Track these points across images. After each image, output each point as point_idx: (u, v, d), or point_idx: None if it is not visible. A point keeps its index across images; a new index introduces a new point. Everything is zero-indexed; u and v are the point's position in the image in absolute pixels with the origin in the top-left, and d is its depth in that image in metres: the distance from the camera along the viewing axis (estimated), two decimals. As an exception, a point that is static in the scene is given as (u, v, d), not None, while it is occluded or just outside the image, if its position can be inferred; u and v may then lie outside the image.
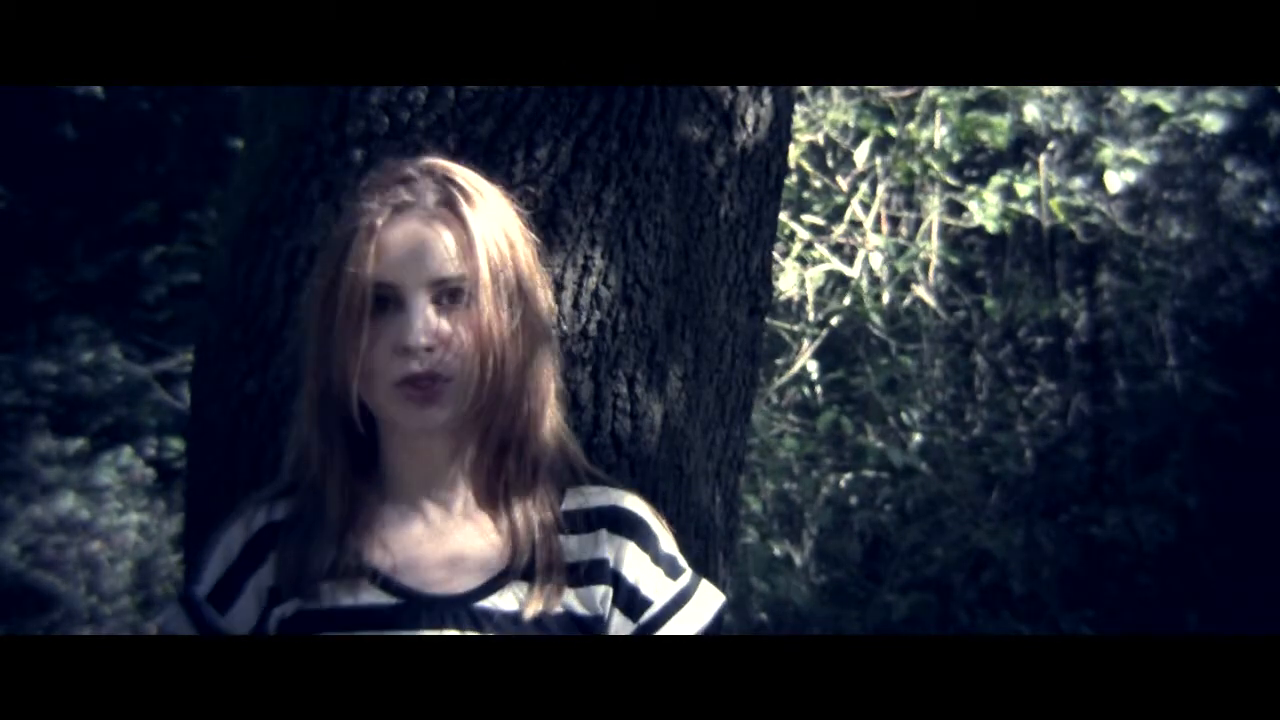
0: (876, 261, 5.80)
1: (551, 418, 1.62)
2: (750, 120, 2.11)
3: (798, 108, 4.98)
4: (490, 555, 1.57)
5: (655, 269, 1.91)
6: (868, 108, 5.70)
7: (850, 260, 5.87)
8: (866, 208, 5.85)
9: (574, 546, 1.59)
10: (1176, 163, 6.84)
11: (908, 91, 5.60)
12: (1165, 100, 5.79)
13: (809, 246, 5.75)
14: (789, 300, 5.81)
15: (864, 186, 5.87)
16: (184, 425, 3.41)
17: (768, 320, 2.70)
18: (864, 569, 6.13)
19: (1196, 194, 6.91)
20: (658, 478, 1.91)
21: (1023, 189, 5.74)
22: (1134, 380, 6.60)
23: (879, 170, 5.85)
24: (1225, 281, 7.00)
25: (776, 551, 5.94)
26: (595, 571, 1.58)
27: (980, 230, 6.03)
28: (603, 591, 1.58)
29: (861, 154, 5.71)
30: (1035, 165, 5.99)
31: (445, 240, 1.55)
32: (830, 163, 5.96)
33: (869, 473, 6.07)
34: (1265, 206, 6.96)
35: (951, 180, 5.89)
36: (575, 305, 1.84)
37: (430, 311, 1.53)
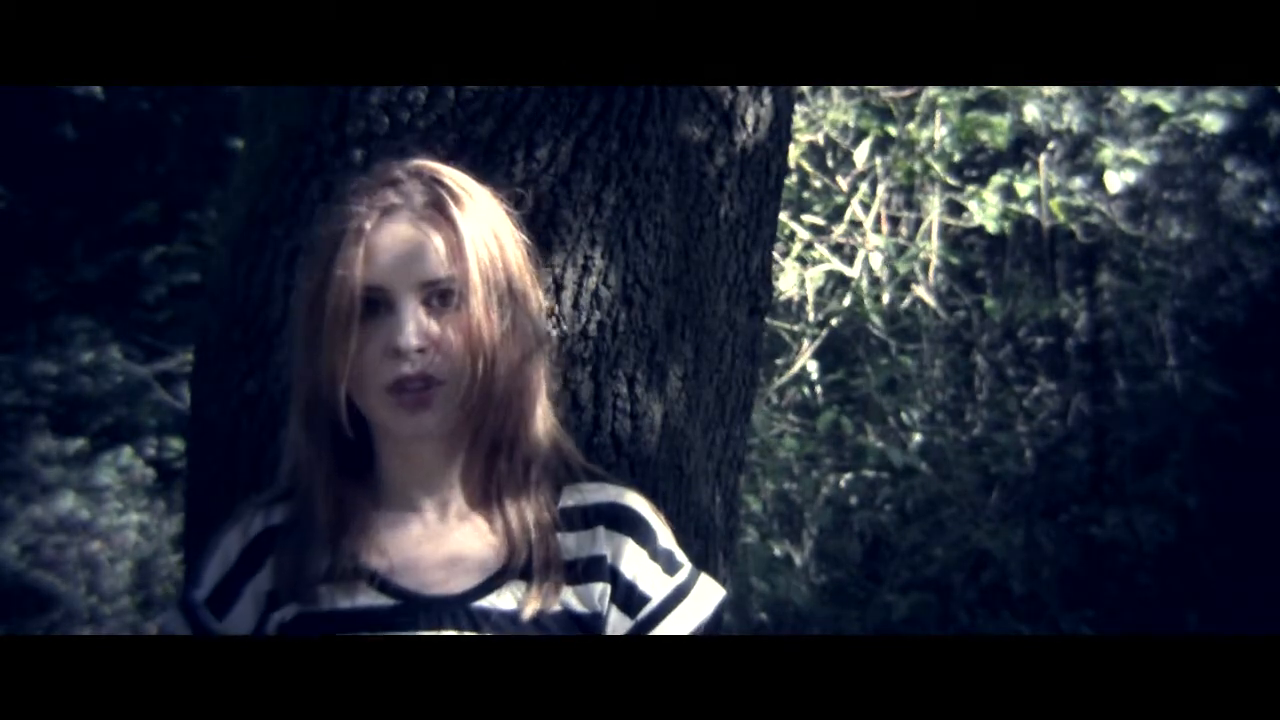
0: (876, 261, 5.80)
1: (544, 418, 1.61)
2: (750, 120, 2.11)
3: (798, 108, 4.98)
4: (487, 555, 1.57)
5: (655, 269, 1.91)
6: (868, 108, 5.69)
7: (850, 260, 5.87)
8: (866, 208, 5.84)
9: (572, 544, 1.59)
10: (1176, 163, 6.84)
11: (908, 91, 5.60)
12: (1165, 100, 5.79)
13: (809, 246, 5.75)
14: (789, 300, 5.80)
15: (864, 186, 5.87)
16: (184, 425, 3.41)
17: (768, 320, 2.70)
18: (864, 569, 6.12)
19: (1196, 194, 6.91)
20: (658, 478, 1.91)
21: (1023, 189, 5.74)
22: (1134, 380, 6.60)
23: (879, 170, 5.85)
24: (1225, 281, 7.00)
25: (776, 551, 5.94)
26: (593, 569, 1.58)
27: (980, 230, 6.03)
28: (600, 589, 1.57)
29: (861, 154, 5.70)
30: (1035, 165, 5.99)
31: (434, 242, 1.54)
32: (830, 163, 5.96)
33: (869, 473, 6.07)
34: (1265, 206, 6.96)
35: (951, 180, 5.88)
36: (575, 305, 1.84)
37: (421, 313, 1.53)
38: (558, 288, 1.82)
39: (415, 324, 1.52)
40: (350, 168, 1.79)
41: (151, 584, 6.46)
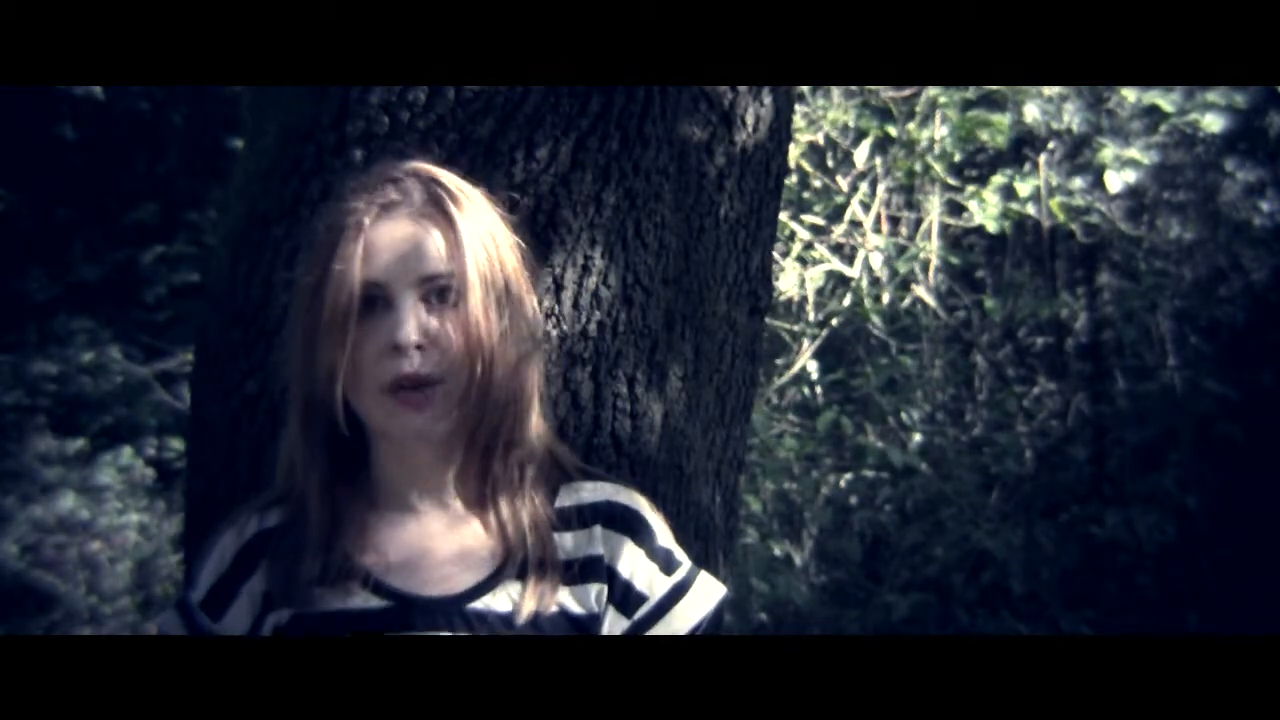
0: (876, 261, 5.80)
1: (537, 422, 1.61)
2: (750, 120, 2.11)
3: (798, 108, 4.98)
4: (483, 556, 1.57)
5: (655, 269, 1.91)
6: (868, 108, 5.69)
7: (850, 260, 5.87)
8: (866, 208, 5.84)
9: (569, 543, 1.58)
10: (1176, 163, 6.84)
11: (908, 91, 5.60)
12: (1165, 100, 5.79)
13: (809, 246, 5.75)
14: (789, 300, 5.80)
15: (864, 186, 5.87)
16: (184, 425, 3.41)
17: (768, 320, 2.70)
18: (864, 569, 6.12)
19: (1196, 194, 6.91)
20: (658, 478, 1.91)
21: (1023, 189, 5.74)
22: (1134, 380, 6.59)
23: (879, 170, 5.85)
24: (1225, 281, 7.00)
25: (776, 551, 5.93)
26: (590, 569, 1.58)
27: (980, 230, 6.03)
28: (597, 589, 1.57)
29: (861, 154, 5.70)
30: (1035, 165, 5.99)
31: (433, 238, 1.54)
32: (830, 163, 5.96)
33: (869, 473, 6.07)
34: (1265, 206, 6.96)
35: (951, 180, 5.88)
36: (575, 305, 1.84)
37: (420, 310, 1.53)
38: (558, 288, 1.82)
39: (415, 320, 1.52)
40: (350, 168, 1.79)
41: (151, 584, 6.46)
